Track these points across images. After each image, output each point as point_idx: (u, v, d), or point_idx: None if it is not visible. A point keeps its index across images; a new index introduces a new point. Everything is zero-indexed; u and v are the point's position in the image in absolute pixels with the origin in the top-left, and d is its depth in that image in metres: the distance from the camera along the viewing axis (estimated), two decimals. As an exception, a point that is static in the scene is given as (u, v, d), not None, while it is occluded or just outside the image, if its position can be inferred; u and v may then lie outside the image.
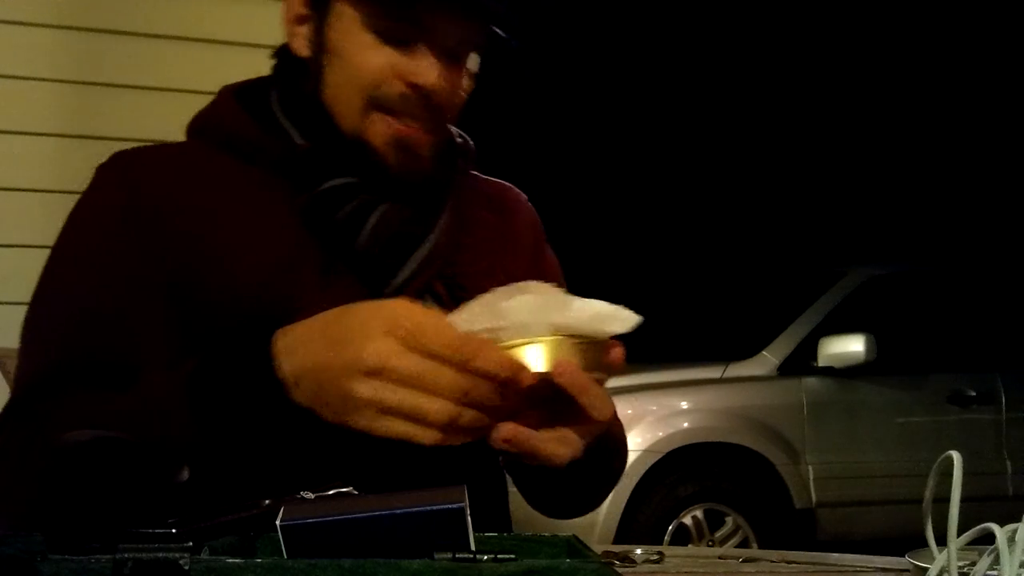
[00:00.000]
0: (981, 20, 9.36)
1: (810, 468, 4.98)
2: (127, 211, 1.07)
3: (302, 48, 1.13)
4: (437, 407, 0.83)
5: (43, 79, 2.92)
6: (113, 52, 2.97)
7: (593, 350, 0.88)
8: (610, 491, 1.21)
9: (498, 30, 1.13)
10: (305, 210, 1.09)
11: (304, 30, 1.13)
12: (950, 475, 0.75)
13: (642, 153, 9.93)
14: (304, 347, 0.88)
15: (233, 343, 0.93)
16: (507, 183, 1.33)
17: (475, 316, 0.86)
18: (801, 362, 5.12)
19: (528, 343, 0.86)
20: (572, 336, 0.86)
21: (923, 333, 5.44)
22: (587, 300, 0.91)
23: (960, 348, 5.39)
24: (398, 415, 0.84)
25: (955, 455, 0.75)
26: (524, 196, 1.32)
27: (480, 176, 1.29)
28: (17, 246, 2.80)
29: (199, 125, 1.16)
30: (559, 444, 0.89)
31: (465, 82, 1.14)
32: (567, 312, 0.88)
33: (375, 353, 0.83)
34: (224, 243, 1.07)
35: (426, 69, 1.07)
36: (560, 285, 1.26)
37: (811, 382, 5.10)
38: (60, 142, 2.89)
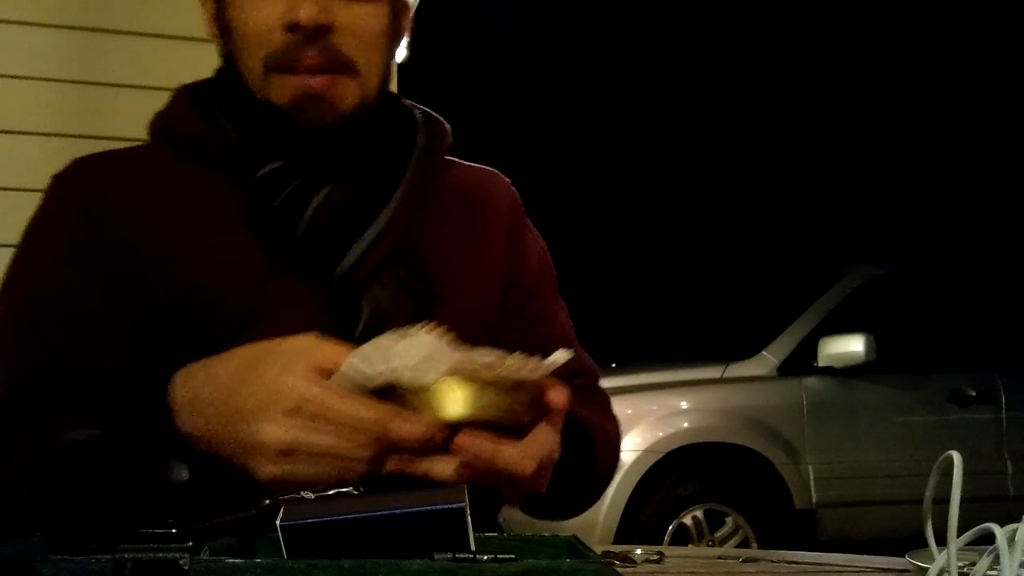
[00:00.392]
0: (981, 20, 9.36)
1: (810, 468, 4.98)
2: (80, 218, 1.07)
3: (217, 38, 1.10)
4: (357, 468, 0.81)
5: (43, 79, 2.92)
6: (114, 51, 2.97)
7: (507, 392, 0.83)
8: (603, 488, 1.17)
9: None
10: (247, 203, 1.05)
11: (212, 18, 1.10)
12: (950, 475, 0.75)
13: (643, 154, 9.93)
14: (201, 412, 0.85)
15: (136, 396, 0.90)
16: (489, 168, 1.26)
17: (370, 359, 0.82)
18: (801, 362, 5.12)
19: (435, 387, 0.81)
20: (481, 378, 0.81)
21: (923, 333, 5.44)
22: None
23: (960, 348, 5.39)
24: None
25: (955, 455, 0.75)
26: (505, 181, 1.26)
27: (459, 162, 1.23)
28: (15, 246, 2.80)
29: (157, 126, 1.14)
30: (521, 456, 0.84)
31: (380, 15, 1.06)
32: (466, 352, 0.83)
33: (278, 442, 0.81)
34: (175, 246, 1.05)
35: (299, 4, 1.00)
36: (545, 270, 1.24)
37: (811, 382, 5.10)
38: (61, 142, 2.89)
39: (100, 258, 1.05)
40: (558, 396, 0.86)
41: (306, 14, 1.00)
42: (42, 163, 2.84)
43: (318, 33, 1.01)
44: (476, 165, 1.25)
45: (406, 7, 1.15)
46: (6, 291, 1.08)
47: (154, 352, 1.01)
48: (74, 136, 2.89)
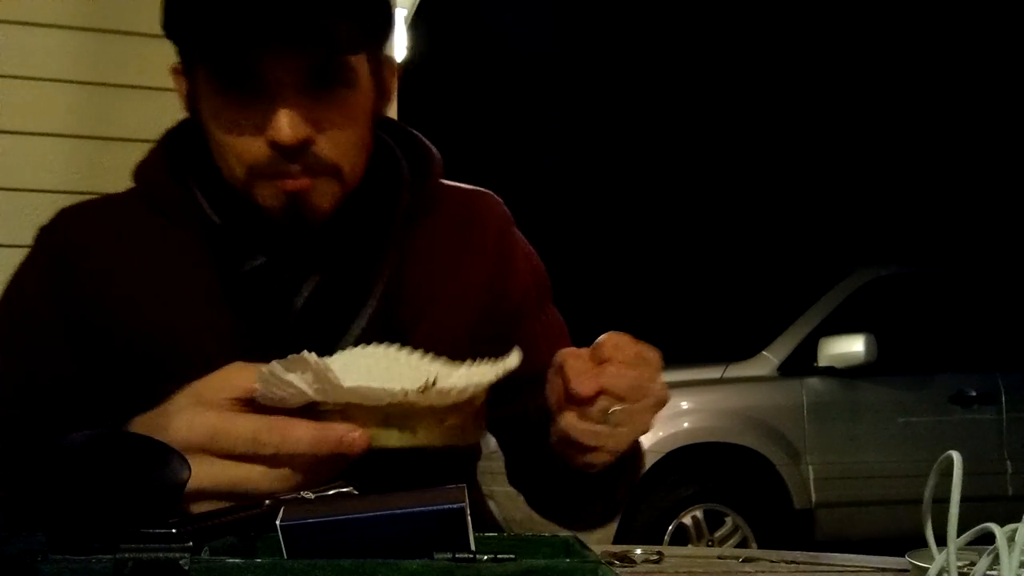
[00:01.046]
0: (982, 20, 9.35)
1: (810, 468, 4.98)
2: (53, 276, 1.08)
3: (197, 122, 1.07)
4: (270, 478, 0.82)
5: (55, 80, 2.93)
6: (125, 53, 2.97)
7: (432, 416, 0.84)
8: (624, 498, 1.14)
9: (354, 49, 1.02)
10: (231, 293, 1.04)
11: (185, 97, 1.08)
12: (950, 475, 0.75)
13: (643, 154, 9.92)
14: None
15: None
16: (478, 190, 1.23)
17: (279, 378, 0.83)
18: (802, 362, 5.12)
19: (347, 409, 0.82)
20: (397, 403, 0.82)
21: (924, 333, 5.44)
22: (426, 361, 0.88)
23: (961, 348, 5.39)
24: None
25: (955, 455, 0.75)
26: (494, 201, 1.23)
27: (451, 187, 1.20)
28: (25, 246, 2.81)
29: (138, 180, 1.14)
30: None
31: (360, 111, 1.03)
32: (392, 370, 0.85)
33: (199, 481, 0.81)
34: (144, 311, 1.05)
35: (276, 123, 0.97)
36: (533, 289, 1.23)
37: (812, 382, 5.10)
38: (73, 143, 2.89)
39: (71, 313, 1.06)
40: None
41: (286, 134, 0.96)
42: (55, 164, 2.87)
43: (301, 148, 0.98)
44: (465, 187, 1.22)
45: (391, 71, 1.12)
46: None
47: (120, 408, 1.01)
48: (86, 137, 2.89)
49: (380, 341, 1.02)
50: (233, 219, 1.05)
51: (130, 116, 2.89)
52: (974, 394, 5.24)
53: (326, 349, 1.00)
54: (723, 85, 9.73)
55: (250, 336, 1.03)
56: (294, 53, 0.96)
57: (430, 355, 0.91)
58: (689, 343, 5.79)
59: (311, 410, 0.83)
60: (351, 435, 0.81)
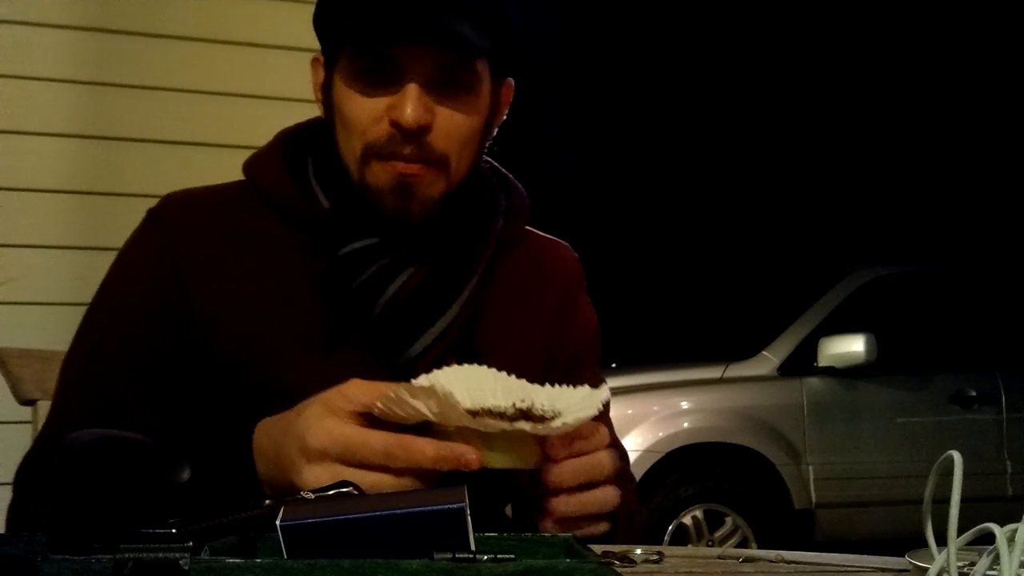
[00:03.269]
0: (981, 20, 9.35)
1: (810, 468, 4.98)
2: (161, 258, 1.12)
3: (325, 112, 1.16)
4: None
5: (57, 80, 2.93)
6: (127, 53, 2.97)
7: (527, 441, 0.90)
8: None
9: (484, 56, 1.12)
10: (324, 276, 1.10)
11: (323, 94, 1.16)
12: (950, 475, 0.75)
13: (643, 154, 9.92)
14: (264, 462, 0.94)
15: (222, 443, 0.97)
16: (558, 241, 1.32)
17: (399, 401, 0.89)
18: (802, 362, 5.12)
19: (459, 431, 0.89)
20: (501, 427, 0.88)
21: (924, 334, 5.44)
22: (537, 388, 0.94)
23: (961, 349, 5.39)
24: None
25: (955, 455, 0.75)
26: (571, 256, 1.32)
27: (531, 232, 1.29)
28: (26, 246, 2.81)
29: (250, 171, 1.20)
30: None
31: (476, 114, 1.12)
32: (496, 396, 0.90)
33: (315, 480, 0.87)
34: (241, 304, 1.10)
35: (404, 105, 1.06)
36: (589, 346, 1.30)
37: (812, 382, 5.10)
38: (75, 143, 2.89)
39: (173, 300, 1.10)
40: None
41: (409, 116, 1.06)
42: (56, 164, 2.86)
43: (420, 131, 1.07)
44: (546, 236, 1.31)
45: (510, 91, 1.21)
46: (81, 331, 1.14)
47: (212, 398, 1.07)
48: (88, 137, 2.89)
49: (456, 346, 1.11)
50: (342, 204, 1.12)
51: (130, 115, 2.89)
52: (974, 394, 5.24)
53: (405, 342, 1.08)
54: (724, 87, 9.73)
55: (336, 320, 1.09)
56: (429, 50, 1.07)
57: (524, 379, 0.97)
58: (689, 343, 5.79)
59: (425, 427, 0.90)
60: (469, 456, 0.88)
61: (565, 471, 0.95)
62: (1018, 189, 8.90)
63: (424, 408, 0.88)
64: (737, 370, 5.10)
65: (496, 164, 1.28)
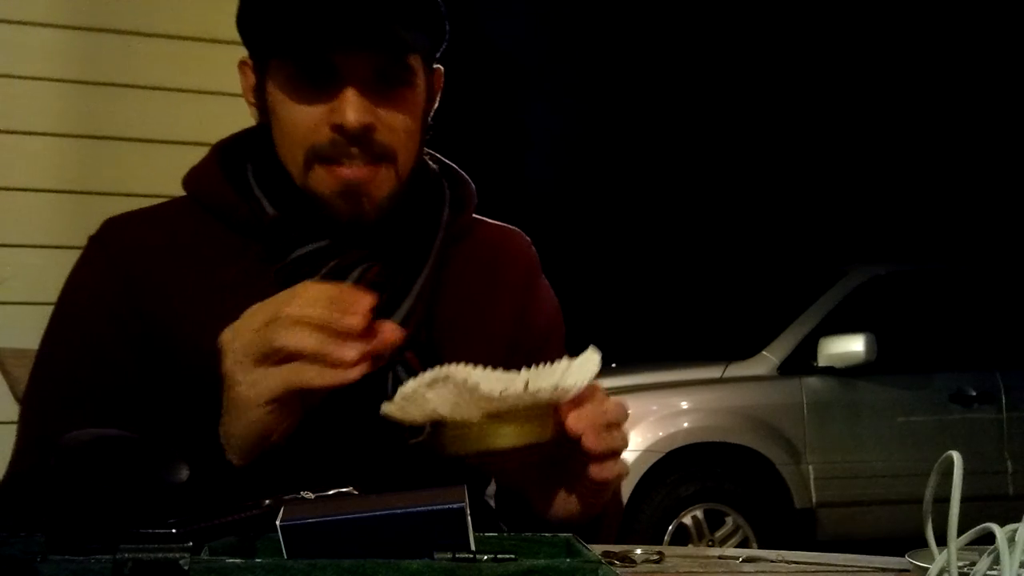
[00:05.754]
0: (981, 20, 9.36)
1: (811, 468, 4.98)
2: (105, 286, 1.11)
3: (259, 116, 1.14)
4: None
5: (48, 79, 2.93)
6: (118, 52, 2.97)
7: (531, 417, 0.92)
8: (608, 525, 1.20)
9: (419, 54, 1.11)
10: (276, 282, 1.07)
11: (255, 98, 1.14)
12: (950, 475, 0.75)
13: (643, 154, 9.92)
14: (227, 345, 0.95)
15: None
16: (509, 228, 1.31)
17: (405, 408, 0.91)
18: (801, 362, 5.12)
19: (466, 425, 0.90)
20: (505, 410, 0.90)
21: (924, 333, 5.44)
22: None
23: (961, 348, 5.39)
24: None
25: (955, 455, 0.75)
26: (524, 241, 1.31)
27: (481, 222, 1.27)
28: (19, 246, 2.81)
29: (190, 184, 1.18)
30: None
31: (415, 108, 1.12)
32: (488, 382, 0.91)
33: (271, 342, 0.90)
34: (197, 319, 1.08)
35: (344, 107, 1.05)
36: (554, 327, 1.30)
37: (811, 382, 5.10)
38: (63, 142, 2.89)
39: (128, 322, 1.10)
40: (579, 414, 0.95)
41: (352, 119, 1.05)
42: (45, 163, 2.86)
43: (363, 132, 1.06)
44: (497, 224, 1.30)
45: (440, 79, 1.20)
46: (40, 359, 1.13)
47: (179, 411, 1.06)
48: (80, 136, 2.89)
49: (414, 341, 1.09)
50: (289, 210, 1.11)
51: (122, 114, 2.89)
52: (974, 393, 5.24)
53: None
54: (723, 86, 9.73)
55: None
56: (365, 53, 1.06)
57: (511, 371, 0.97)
58: (689, 343, 5.79)
59: (434, 428, 0.92)
60: (393, 333, 0.92)
61: (585, 413, 0.95)
62: (1018, 188, 8.90)
63: (440, 401, 0.89)
64: (737, 370, 5.10)
65: (438, 155, 1.27)
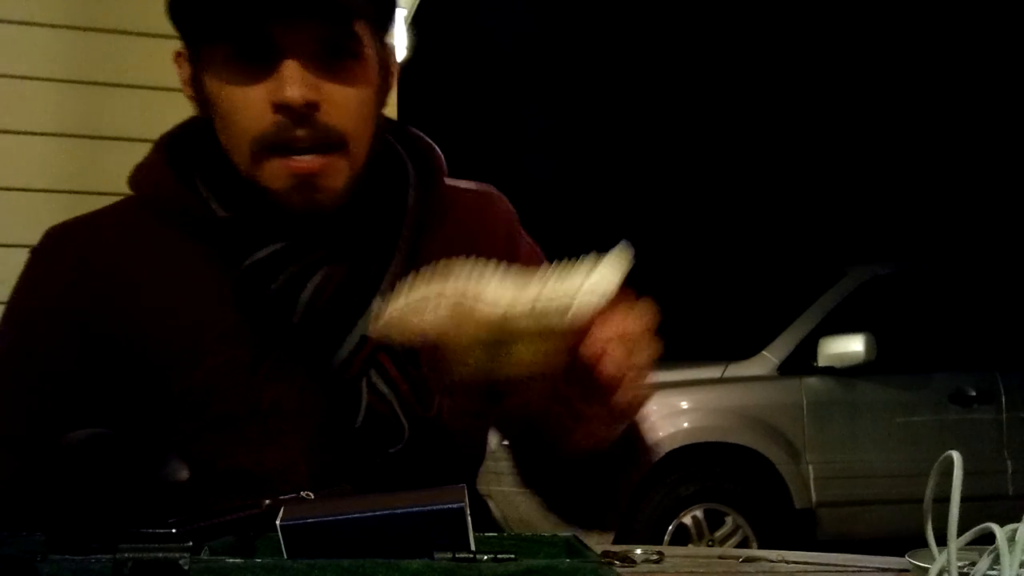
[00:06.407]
0: (981, 20, 9.35)
1: (810, 468, 4.98)
2: (51, 295, 1.05)
3: (200, 110, 1.05)
4: None
5: (45, 79, 2.92)
6: (115, 51, 2.97)
7: (542, 340, 0.82)
8: (626, 494, 1.11)
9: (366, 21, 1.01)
10: (235, 289, 1.01)
11: (193, 90, 1.05)
12: (950, 475, 0.75)
13: (641, 153, 9.92)
14: None
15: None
16: (481, 187, 1.20)
17: (400, 326, 0.82)
18: (801, 362, 5.12)
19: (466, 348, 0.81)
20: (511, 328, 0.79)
21: (924, 332, 5.43)
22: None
23: (961, 348, 5.39)
24: None
25: (955, 455, 0.75)
26: (497, 197, 1.20)
27: (456, 190, 1.16)
28: (17, 246, 2.80)
29: (136, 185, 1.10)
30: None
31: (366, 83, 1.02)
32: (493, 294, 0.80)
33: None
34: (154, 330, 1.02)
35: (284, 83, 0.96)
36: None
37: (811, 382, 5.10)
38: (61, 142, 2.89)
39: (73, 328, 1.03)
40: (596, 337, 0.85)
41: (293, 92, 0.96)
42: (43, 163, 2.86)
43: (307, 110, 0.97)
44: (471, 190, 1.19)
45: (394, 57, 1.10)
46: None
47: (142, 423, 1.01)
48: (75, 136, 2.89)
49: (380, 346, 1.01)
50: (239, 210, 1.03)
51: (121, 114, 2.89)
52: (973, 393, 5.24)
53: (332, 347, 1.00)
54: (723, 86, 9.73)
55: (255, 334, 1.01)
56: (304, 22, 0.97)
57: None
58: (689, 343, 5.78)
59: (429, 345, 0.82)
60: None
61: (604, 332, 0.86)
62: (1017, 187, 8.89)
63: (434, 321, 0.79)
64: (737, 369, 5.10)
65: (401, 124, 1.17)
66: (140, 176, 1.10)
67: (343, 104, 0.99)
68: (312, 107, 0.97)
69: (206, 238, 1.04)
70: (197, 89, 1.04)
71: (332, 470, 0.99)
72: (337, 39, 0.99)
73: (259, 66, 0.97)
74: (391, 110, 1.18)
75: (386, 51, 1.07)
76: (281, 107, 0.96)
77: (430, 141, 1.16)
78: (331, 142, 0.98)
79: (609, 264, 0.83)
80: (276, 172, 0.99)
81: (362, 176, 1.03)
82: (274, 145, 0.98)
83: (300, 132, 0.97)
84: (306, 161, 0.98)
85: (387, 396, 1.01)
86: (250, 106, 0.98)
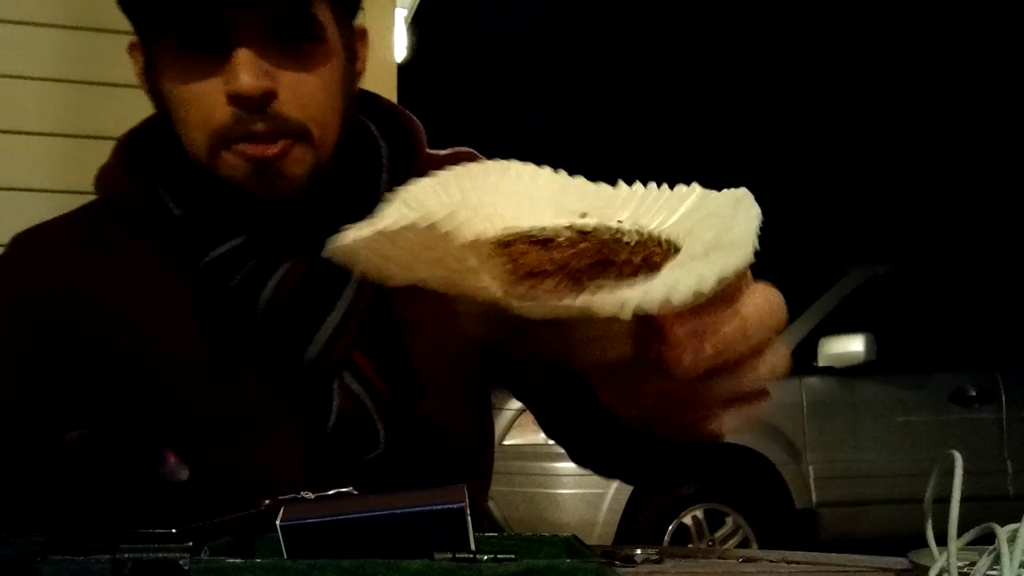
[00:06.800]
0: (981, 20, 9.35)
1: (811, 468, 4.98)
2: (24, 306, 1.02)
3: (155, 104, 1.01)
4: None
5: (44, 78, 2.93)
6: (115, 51, 2.97)
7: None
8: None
9: None
10: (195, 289, 0.98)
11: (142, 73, 1.02)
12: (951, 474, 0.75)
13: (642, 153, 9.93)
14: None
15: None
16: (457, 149, 1.12)
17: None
18: (801, 361, 5.11)
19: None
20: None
21: (924, 332, 5.43)
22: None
23: (961, 347, 5.39)
24: None
25: (956, 455, 0.75)
26: (473, 155, 1.10)
27: (431, 155, 1.08)
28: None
29: (100, 187, 1.07)
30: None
31: (327, 68, 0.96)
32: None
33: None
34: (119, 337, 1.00)
35: (237, 72, 0.91)
36: None
37: (811, 382, 5.10)
38: (59, 141, 2.89)
39: (52, 339, 1.01)
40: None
41: (245, 82, 0.91)
42: (43, 163, 2.86)
43: (263, 100, 0.92)
44: (446, 154, 1.11)
45: (364, 42, 1.05)
46: None
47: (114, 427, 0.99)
48: (75, 136, 2.89)
49: (359, 337, 0.96)
50: (195, 207, 0.99)
51: (119, 114, 2.88)
52: (974, 393, 5.24)
53: (300, 345, 0.95)
54: (723, 86, 9.73)
55: (218, 335, 0.98)
56: (258, 6, 0.91)
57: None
58: (689, 343, 5.77)
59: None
60: None
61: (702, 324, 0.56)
62: (1017, 187, 8.89)
63: (412, 260, 0.54)
64: (737, 369, 5.10)
65: (377, 97, 1.10)
66: (100, 178, 1.07)
67: (303, 92, 0.94)
68: (269, 96, 0.92)
69: (164, 238, 1.00)
70: (152, 82, 1.00)
71: (303, 481, 0.94)
72: (294, 23, 0.93)
73: (212, 55, 0.92)
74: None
75: (352, 34, 1.02)
76: (236, 98, 0.92)
77: (408, 114, 1.10)
78: (292, 132, 0.94)
79: (740, 234, 0.50)
80: (234, 163, 0.94)
81: (329, 163, 0.98)
82: (233, 139, 0.93)
83: (258, 124, 0.92)
84: (264, 148, 0.93)
85: (361, 398, 0.97)
86: (205, 98, 0.93)
